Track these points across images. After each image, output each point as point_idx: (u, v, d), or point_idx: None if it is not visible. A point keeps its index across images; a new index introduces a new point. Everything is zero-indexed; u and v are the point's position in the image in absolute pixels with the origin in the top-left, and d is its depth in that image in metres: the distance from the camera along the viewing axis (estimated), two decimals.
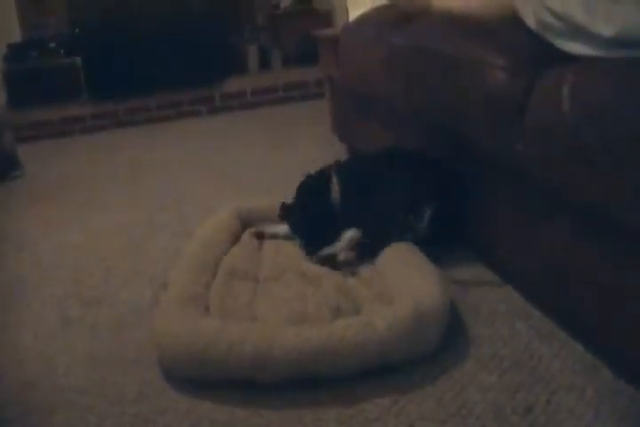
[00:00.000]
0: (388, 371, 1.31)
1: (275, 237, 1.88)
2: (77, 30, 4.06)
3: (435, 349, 1.35)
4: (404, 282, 1.48)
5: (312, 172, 1.91)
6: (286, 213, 1.90)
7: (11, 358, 1.53)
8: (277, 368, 1.28)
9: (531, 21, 1.43)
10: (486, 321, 1.46)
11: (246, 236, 1.90)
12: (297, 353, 1.26)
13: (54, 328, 1.63)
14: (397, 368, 1.32)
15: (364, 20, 2.53)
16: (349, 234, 1.73)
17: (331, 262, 1.69)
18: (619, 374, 1.23)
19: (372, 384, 1.29)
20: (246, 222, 1.97)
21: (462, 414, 1.18)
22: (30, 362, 1.50)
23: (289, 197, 1.91)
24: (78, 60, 4.11)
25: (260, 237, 1.89)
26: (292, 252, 1.79)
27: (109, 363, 1.46)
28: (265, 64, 4.57)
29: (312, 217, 1.82)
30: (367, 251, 1.69)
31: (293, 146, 3.12)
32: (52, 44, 4.18)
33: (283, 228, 1.88)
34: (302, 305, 1.49)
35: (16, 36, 4.21)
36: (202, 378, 1.34)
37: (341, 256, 1.71)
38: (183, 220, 2.26)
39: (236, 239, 1.88)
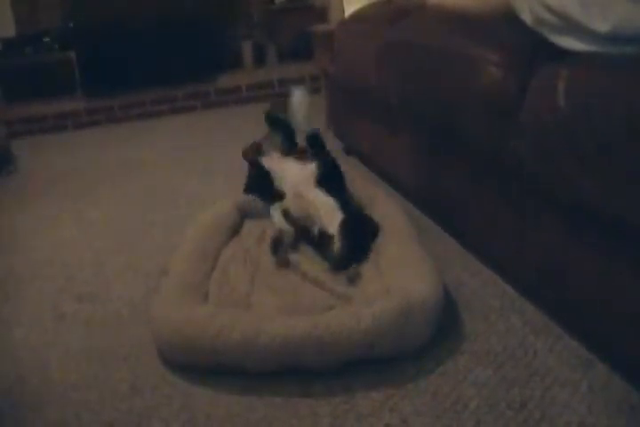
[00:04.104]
0: (382, 365, 1.32)
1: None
2: (71, 25, 4.04)
3: (423, 343, 1.35)
4: (397, 279, 1.48)
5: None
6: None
7: (4, 353, 1.52)
8: (264, 355, 1.29)
9: (526, 17, 1.43)
10: (481, 316, 1.47)
11: (246, 227, 1.91)
12: (282, 340, 1.27)
13: (48, 323, 1.63)
14: (391, 363, 1.32)
15: (359, 15, 2.53)
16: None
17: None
18: (613, 369, 1.24)
19: (366, 379, 1.29)
20: (245, 214, 1.98)
21: (457, 410, 1.19)
22: (23, 357, 1.50)
23: None
24: (72, 54, 4.09)
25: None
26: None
27: (103, 358, 1.46)
28: (260, 59, 4.56)
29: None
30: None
31: None
32: (46, 39, 4.16)
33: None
34: (297, 298, 1.50)
35: (10, 30, 4.18)
36: (194, 364, 1.36)
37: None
38: (177, 215, 2.26)
39: (235, 230, 1.88)
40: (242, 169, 2.46)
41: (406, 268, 1.50)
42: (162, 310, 1.44)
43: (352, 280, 1.55)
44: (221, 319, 1.33)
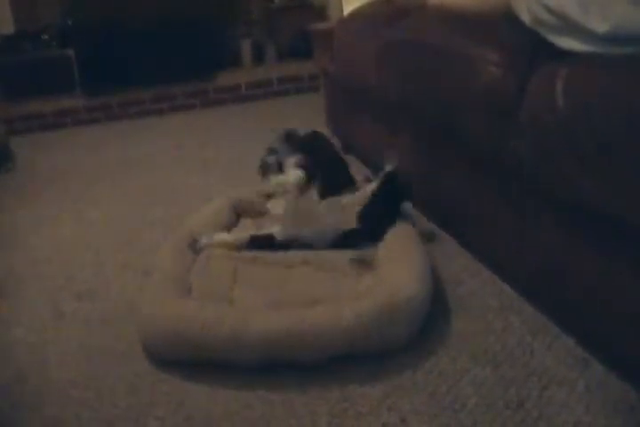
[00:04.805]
0: (380, 364, 1.32)
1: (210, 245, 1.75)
2: (70, 22, 4.03)
3: (404, 342, 1.36)
4: (389, 275, 1.49)
5: None
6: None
7: (3, 352, 1.52)
8: (248, 351, 1.31)
9: (525, 17, 1.43)
10: (479, 316, 1.47)
11: (241, 225, 1.92)
12: (266, 336, 1.30)
13: (47, 322, 1.63)
14: (389, 361, 1.33)
15: (358, 14, 2.53)
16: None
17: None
18: (610, 369, 1.24)
19: (363, 378, 1.30)
20: (241, 212, 1.98)
21: (454, 409, 1.19)
22: (22, 355, 1.50)
23: None
24: (71, 52, 4.09)
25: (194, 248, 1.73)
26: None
27: (101, 356, 1.46)
28: (259, 58, 4.55)
29: None
30: None
31: None
32: (45, 36, 4.15)
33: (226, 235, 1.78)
34: (280, 292, 1.51)
35: (9, 27, 4.17)
36: (179, 359, 1.38)
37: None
38: (175, 213, 2.26)
39: (227, 228, 1.88)
40: (239, 166, 2.48)
41: (400, 265, 1.51)
42: (147, 307, 1.45)
43: (355, 264, 1.57)
44: (206, 315, 1.35)
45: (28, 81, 4.07)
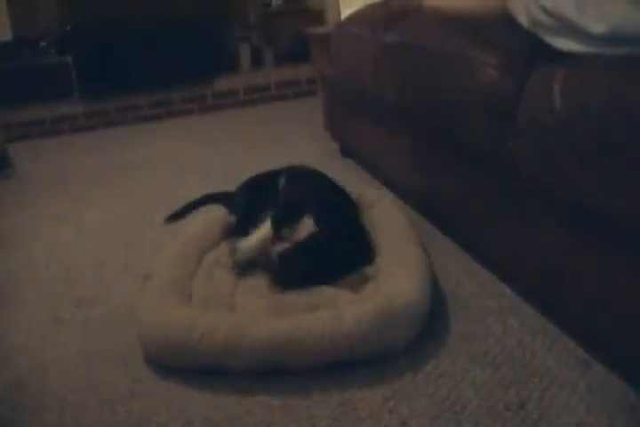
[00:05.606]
0: (380, 367, 1.32)
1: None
2: (68, 28, 4.04)
3: (403, 347, 1.35)
4: (388, 280, 1.48)
5: None
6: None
7: (1, 357, 1.52)
8: (248, 356, 1.31)
9: (523, 19, 1.44)
10: (478, 317, 1.46)
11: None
12: (265, 342, 1.29)
13: (45, 327, 1.63)
14: (389, 364, 1.32)
15: (356, 17, 2.53)
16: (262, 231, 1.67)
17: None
18: (610, 369, 1.24)
19: (363, 381, 1.29)
20: None
21: (455, 411, 1.18)
22: (21, 361, 1.49)
23: None
24: (69, 58, 4.09)
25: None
26: None
27: (101, 361, 1.45)
28: (257, 62, 4.55)
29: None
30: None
31: (286, 144, 3.11)
32: (43, 43, 4.16)
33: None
34: (281, 299, 1.51)
35: (7, 34, 4.18)
36: (180, 365, 1.37)
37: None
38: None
39: (226, 235, 1.87)
40: (237, 171, 2.46)
41: (399, 269, 1.50)
42: (146, 312, 1.45)
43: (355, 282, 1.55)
44: (204, 322, 1.35)
45: (27, 88, 4.07)
